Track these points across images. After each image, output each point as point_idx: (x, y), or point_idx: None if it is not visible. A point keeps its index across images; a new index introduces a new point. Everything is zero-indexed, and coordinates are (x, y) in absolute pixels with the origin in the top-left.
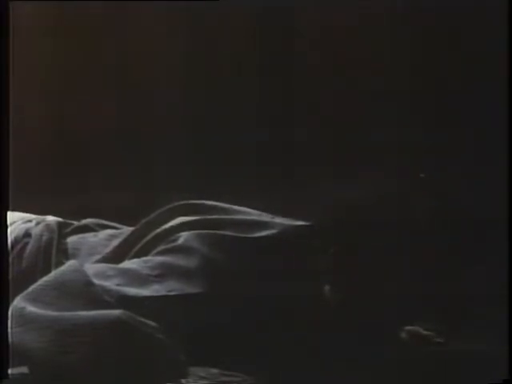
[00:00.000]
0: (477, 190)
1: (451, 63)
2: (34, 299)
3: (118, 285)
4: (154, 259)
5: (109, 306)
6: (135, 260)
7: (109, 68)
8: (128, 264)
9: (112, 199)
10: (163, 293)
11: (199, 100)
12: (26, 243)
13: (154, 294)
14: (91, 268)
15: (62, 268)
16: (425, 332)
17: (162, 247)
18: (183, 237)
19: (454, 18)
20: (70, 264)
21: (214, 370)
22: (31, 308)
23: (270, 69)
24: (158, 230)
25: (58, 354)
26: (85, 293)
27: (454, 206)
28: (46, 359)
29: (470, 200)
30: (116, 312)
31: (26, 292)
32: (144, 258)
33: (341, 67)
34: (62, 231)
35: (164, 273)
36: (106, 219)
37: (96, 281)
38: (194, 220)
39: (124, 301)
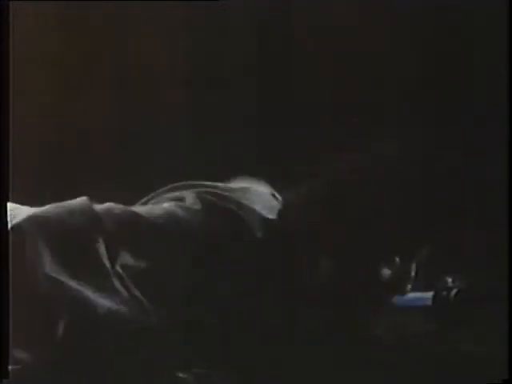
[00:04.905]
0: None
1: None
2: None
3: None
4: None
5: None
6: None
7: (106, 67)
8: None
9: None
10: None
11: (197, 96)
12: None
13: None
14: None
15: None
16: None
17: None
18: (189, 197)
19: (454, 17)
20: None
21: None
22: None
23: (270, 63)
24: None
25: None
26: None
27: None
28: None
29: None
30: None
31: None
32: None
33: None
34: None
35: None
36: None
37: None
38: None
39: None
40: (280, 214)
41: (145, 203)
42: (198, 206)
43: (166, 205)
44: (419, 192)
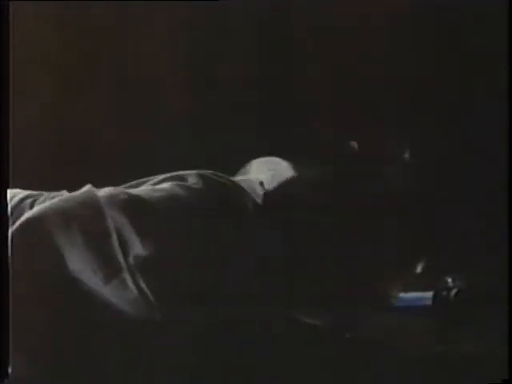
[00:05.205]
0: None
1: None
2: None
3: None
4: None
5: None
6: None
7: (106, 67)
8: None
9: None
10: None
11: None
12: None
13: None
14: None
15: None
16: None
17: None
18: (191, 176)
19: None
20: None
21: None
22: None
23: (270, 63)
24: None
25: None
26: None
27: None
28: None
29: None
30: None
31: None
32: (152, 187)
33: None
34: None
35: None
36: None
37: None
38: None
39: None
40: (265, 199)
41: (143, 183)
42: (199, 185)
43: (166, 185)
44: (419, 192)
